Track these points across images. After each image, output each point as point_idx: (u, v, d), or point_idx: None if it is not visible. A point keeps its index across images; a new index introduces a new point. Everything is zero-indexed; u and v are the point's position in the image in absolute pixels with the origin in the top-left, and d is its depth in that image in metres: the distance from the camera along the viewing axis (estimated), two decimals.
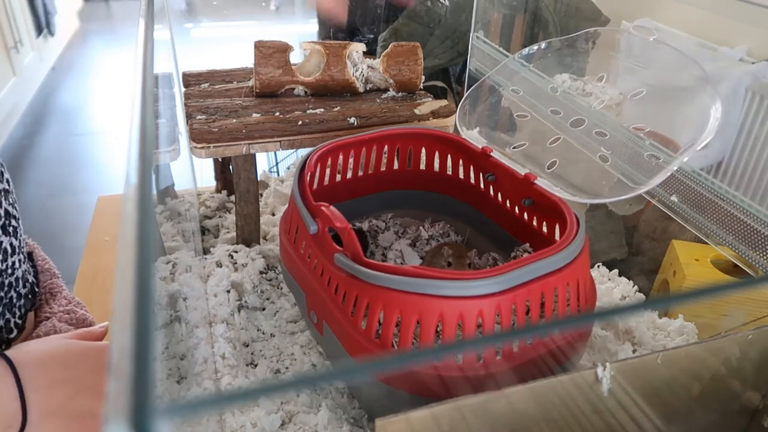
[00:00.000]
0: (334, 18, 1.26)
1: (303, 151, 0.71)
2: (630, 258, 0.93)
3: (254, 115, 0.79)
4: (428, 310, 0.46)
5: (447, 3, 1.21)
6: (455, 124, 0.75)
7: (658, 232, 0.91)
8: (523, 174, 0.64)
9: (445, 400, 0.38)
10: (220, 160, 0.98)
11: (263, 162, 1.12)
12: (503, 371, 0.47)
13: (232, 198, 0.92)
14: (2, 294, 0.56)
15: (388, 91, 0.88)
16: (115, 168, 2.76)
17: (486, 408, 0.39)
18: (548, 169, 0.65)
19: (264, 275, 0.76)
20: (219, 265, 0.77)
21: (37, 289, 0.64)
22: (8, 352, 0.49)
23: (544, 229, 0.64)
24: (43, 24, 3.85)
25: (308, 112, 0.80)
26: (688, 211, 0.65)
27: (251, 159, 0.77)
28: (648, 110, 0.67)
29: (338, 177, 0.74)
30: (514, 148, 0.70)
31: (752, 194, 1.12)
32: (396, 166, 0.77)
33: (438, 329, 0.47)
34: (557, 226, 0.61)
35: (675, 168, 0.58)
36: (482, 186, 0.72)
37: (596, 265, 0.80)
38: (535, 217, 0.65)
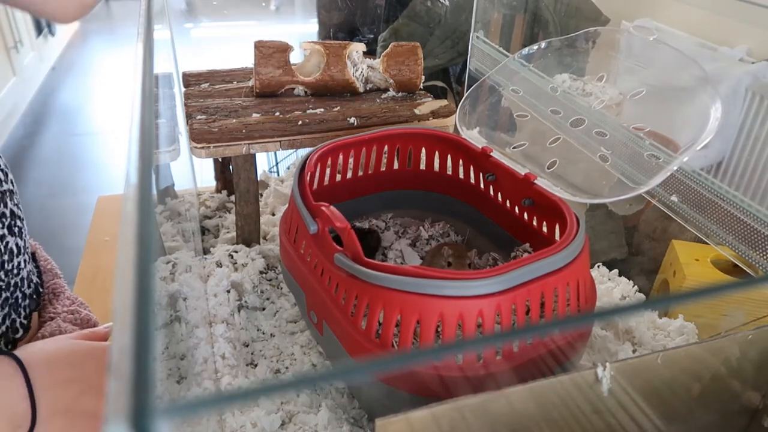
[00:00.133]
0: None
1: (303, 151, 0.71)
2: (630, 258, 0.93)
3: (254, 115, 0.79)
4: (428, 310, 0.46)
5: (447, 3, 1.21)
6: (455, 124, 0.75)
7: (658, 232, 0.91)
8: (523, 174, 0.64)
9: (445, 400, 0.38)
10: (220, 160, 0.98)
11: (263, 162, 1.12)
12: (503, 371, 0.47)
13: (232, 198, 0.92)
14: (8, 294, 0.56)
15: (388, 91, 0.88)
16: (115, 168, 2.76)
17: (486, 408, 0.39)
18: (548, 169, 0.65)
19: (264, 275, 0.76)
20: (219, 265, 0.77)
21: (41, 290, 0.64)
22: (17, 352, 0.50)
23: (544, 229, 0.64)
24: (43, 24, 3.86)
25: (308, 112, 0.80)
26: (688, 211, 0.65)
27: (251, 159, 0.77)
28: (648, 110, 0.67)
29: (338, 177, 0.74)
30: (514, 148, 0.70)
31: (752, 194, 1.12)
32: (396, 166, 0.77)
33: (438, 329, 0.47)
34: (557, 226, 0.61)
35: (675, 168, 0.58)
36: (482, 186, 0.72)
37: (596, 265, 0.80)
38: (535, 217, 0.65)
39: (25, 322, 0.59)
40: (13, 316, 0.57)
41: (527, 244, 0.66)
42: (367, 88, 0.89)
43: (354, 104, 0.84)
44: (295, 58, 0.86)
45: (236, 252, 0.79)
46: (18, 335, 0.58)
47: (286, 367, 0.64)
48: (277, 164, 1.16)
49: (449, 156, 0.74)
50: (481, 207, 0.73)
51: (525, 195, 0.65)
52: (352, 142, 0.70)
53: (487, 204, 0.72)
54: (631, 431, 0.43)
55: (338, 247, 0.53)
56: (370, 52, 1.02)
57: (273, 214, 0.93)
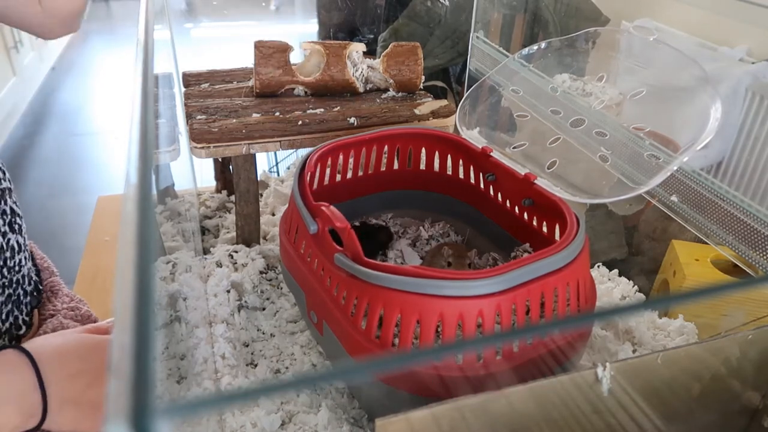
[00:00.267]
0: None
1: (303, 151, 0.71)
2: (630, 258, 0.94)
3: (254, 115, 0.79)
4: (428, 309, 0.46)
5: (447, 3, 1.21)
6: (455, 124, 0.75)
7: (658, 232, 0.91)
8: (523, 174, 0.64)
9: (445, 400, 0.38)
10: (220, 160, 0.98)
11: (263, 162, 1.12)
12: (503, 371, 0.47)
13: (232, 198, 0.92)
14: (11, 291, 0.57)
15: (388, 91, 0.88)
16: (115, 168, 2.76)
17: (486, 408, 0.39)
18: (548, 169, 0.65)
19: (264, 275, 0.76)
20: (219, 265, 0.77)
21: (40, 287, 0.64)
22: (25, 345, 0.51)
23: (544, 229, 0.64)
24: None
25: (308, 112, 0.81)
26: (688, 211, 0.65)
27: (251, 159, 0.77)
28: (648, 110, 0.67)
29: (338, 177, 0.74)
30: (514, 148, 0.70)
31: (752, 194, 1.12)
32: (396, 166, 0.77)
33: (438, 329, 0.47)
34: (557, 226, 0.61)
35: (675, 168, 0.58)
36: (482, 186, 0.72)
37: (596, 265, 0.80)
38: (535, 217, 0.65)
39: (27, 318, 0.59)
40: (16, 312, 0.58)
41: (527, 244, 0.66)
42: (367, 88, 0.89)
43: (354, 104, 0.84)
44: (295, 58, 0.86)
45: (236, 252, 0.79)
46: (21, 332, 0.58)
47: (286, 367, 0.64)
48: (277, 164, 1.16)
49: (449, 156, 0.74)
50: (481, 207, 0.73)
51: (525, 195, 0.65)
52: (352, 142, 0.70)
53: (487, 204, 0.72)
54: (631, 431, 0.43)
55: (338, 247, 0.53)
56: (370, 52, 1.02)
57: (273, 214, 0.93)
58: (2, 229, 0.55)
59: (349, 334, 0.52)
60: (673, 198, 0.66)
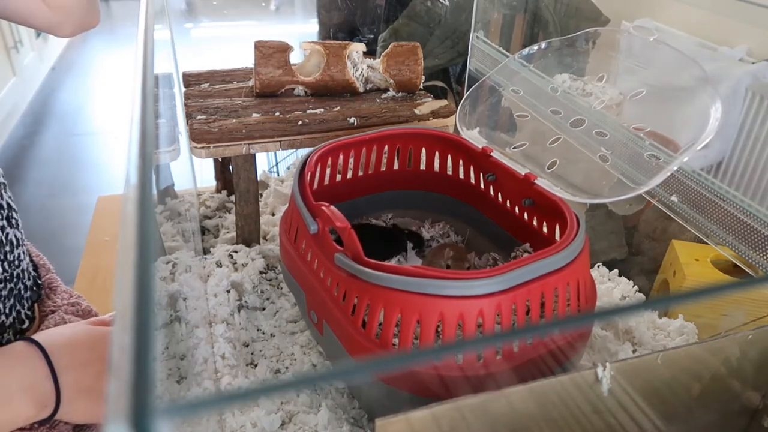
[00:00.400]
0: None
1: (303, 151, 0.71)
2: (630, 258, 0.94)
3: (254, 115, 0.79)
4: (428, 309, 0.46)
5: (447, 3, 1.21)
6: (455, 124, 0.75)
7: (658, 232, 0.91)
8: (523, 174, 0.64)
9: (445, 400, 0.38)
10: (220, 160, 0.98)
11: (263, 162, 1.12)
12: (503, 371, 0.47)
13: (232, 198, 0.92)
14: (12, 285, 0.57)
15: (388, 91, 0.88)
16: (115, 168, 2.76)
17: (486, 408, 0.39)
18: (548, 169, 0.65)
19: (264, 275, 0.76)
20: (219, 265, 0.77)
21: (39, 282, 0.65)
22: (35, 337, 0.51)
23: (544, 229, 0.64)
24: None
25: (308, 112, 0.81)
26: (688, 211, 0.65)
27: (251, 159, 0.77)
28: (648, 110, 0.67)
29: (338, 177, 0.74)
30: (514, 148, 0.70)
31: (752, 194, 1.12)
32: (396, 166, 0.77)
33: (438, 329, 0.47)
34: (557, 226, 0.61)
35: (675, 168, 0.58)
36: (482, 186, 0.72)
37: (596, 265, 0.80)
38: (535, 217, 0.65)
39: (29, 313, 0.60)
40: (18, 307, 0.58)
41: (527, 244, 0.66)
42: (367, 88, 0.89)
43: (354, 104, 0.84)
44: (295, 58, 0.86)
45: (236, 252, 0.79)
46: (24, 326, 0.59)
47: (286, 367, 0.64)
48: (277, 164, 1.16)
49: (449, 156, 0.74)
50: (481, 207, 0.73)
51: (525, 195, 0.65)
52: (352, 142, 0.70)
53: (487, 204, 0.72)
54: (631, 431, 0.43)
55: (338, 246, 0.53)
56: (370, 52, 1.02)
57: (273, 214, 0.93)
58: (0, 224, 0.56)
59: (349, 334, 0.52)
60: (673, 198, 0.66)
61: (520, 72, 0.79)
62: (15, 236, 0.58)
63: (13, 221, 0.58)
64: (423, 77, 0.88)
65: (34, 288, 0.62)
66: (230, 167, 0.92)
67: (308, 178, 0.63)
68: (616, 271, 0.79)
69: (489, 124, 0.75)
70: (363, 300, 0.49)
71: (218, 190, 1.00)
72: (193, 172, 0.86)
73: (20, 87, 3.37)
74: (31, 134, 3.10)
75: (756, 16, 0.71)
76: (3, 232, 0.56)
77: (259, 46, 0.82)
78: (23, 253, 0.60)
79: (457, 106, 0.76)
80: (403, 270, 0.47)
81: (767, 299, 0.65)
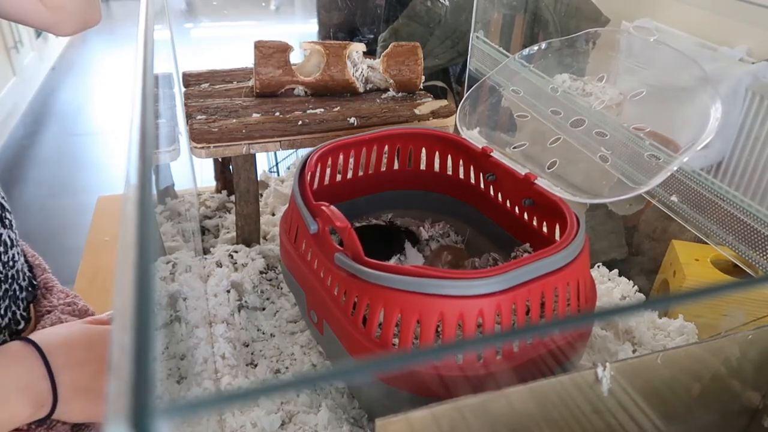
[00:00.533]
0: None
1: (303, 151, 0.71)
2: (630, 258, 0.94)
3: (254, 115, 0.79)
4: (429, 309, 0.46)
5: (447, 3, 1.21)
6: (455, 124, 0.75)
7: (658, 232, 0.91)
8: (523, 174, 0.64)
9: (445, 400, 0.38)
10: (220, 160, 0.98)
11: (263, 162, 1.12)
12: (503, 371, 0.47)
13: (232, 198, 0.92)
14: (7, 286, 0.57)
15: (388, 91, 0.88)
16: (115, 168, 2.76)
17: (486, 408, 0.39)
18: (548, 169, 0.65)
19: (264, 275, 0.76)
20: (219, 265, 0.77)
21: (35, 282, 0.64)
22: (31, 336, 0.51)
23: (544, 229, 0.64)
24: None
25: (308, 112, 0.81)
26: (688, 211, 0.65)
27: (251, 159, 0.77)
28: (648, 110, 0.67)
29: (338, 177, 0.74)
30: (514, 148, 0.70)
31: (752, 194, 1.12)
32: (396, 166, 0.77)
33: (438, 329, 0.47)
34: (557, 226, 0.61)
35: (675, 168, 0.58)
36: (482, 186, 0.72)
37: (596, 265, 0.80)
38: (535, 217, 0.65)
39: (25, 314, 0.59)
40: (13, 308, 0.58)
41: (527, 244, 0.66)
42: (367, 88, 0.89)
43: (354, 104, 0.84)
44: (295, 58, 0.86)
45: (236, 252, 0.79)
46: (20, 327, 0.59)
47: (286, 367, 0.64)
48: (277, 164, 1.16)
49: (449, 156, 0.74)
50: (481, 207, 0.73)
51: (525, 195, 0.65)
52: (352, 142, 0.70)
53: (487, 204, 0.72)
54: (631, 431, 0.43)
55: (338, 246, 0.53)
56: (370, 52, 1.02)
57: (273, 214, 0.93)
58: None
59: (349, 334, 0.52)
60: (673, 198, 0.66)
61: (520, 72, 0.79)
62: (9, 237, 0.57)
63: (6, 222, 0.58)
64: (423, 77, 0.88)
65: (30, 289, 0.62)
66: (230, 167, 0.92)
67: (308, 178, 0.63)
68: (616, 271, 0.79)
69: (489, 124, 0.75)
70: (363, 300, 0.49)
71: (218, 190, 1.00)
72: (193, 172, 0.86)
73: (20, 87, 3.37)
74: (31, 134, 3.10)
75: (756, 16, 0.71)
76: None
77: (259, 46, 0.82)
78: (18, 254, 0.60)
79: (457, 106, 0.76)
80: (403, 270, 0.47)
81: (767, 299, 0.65)
